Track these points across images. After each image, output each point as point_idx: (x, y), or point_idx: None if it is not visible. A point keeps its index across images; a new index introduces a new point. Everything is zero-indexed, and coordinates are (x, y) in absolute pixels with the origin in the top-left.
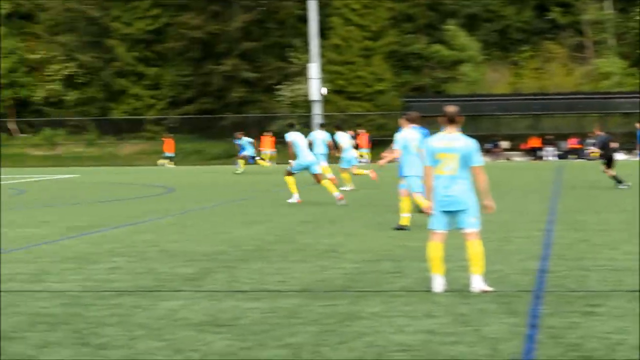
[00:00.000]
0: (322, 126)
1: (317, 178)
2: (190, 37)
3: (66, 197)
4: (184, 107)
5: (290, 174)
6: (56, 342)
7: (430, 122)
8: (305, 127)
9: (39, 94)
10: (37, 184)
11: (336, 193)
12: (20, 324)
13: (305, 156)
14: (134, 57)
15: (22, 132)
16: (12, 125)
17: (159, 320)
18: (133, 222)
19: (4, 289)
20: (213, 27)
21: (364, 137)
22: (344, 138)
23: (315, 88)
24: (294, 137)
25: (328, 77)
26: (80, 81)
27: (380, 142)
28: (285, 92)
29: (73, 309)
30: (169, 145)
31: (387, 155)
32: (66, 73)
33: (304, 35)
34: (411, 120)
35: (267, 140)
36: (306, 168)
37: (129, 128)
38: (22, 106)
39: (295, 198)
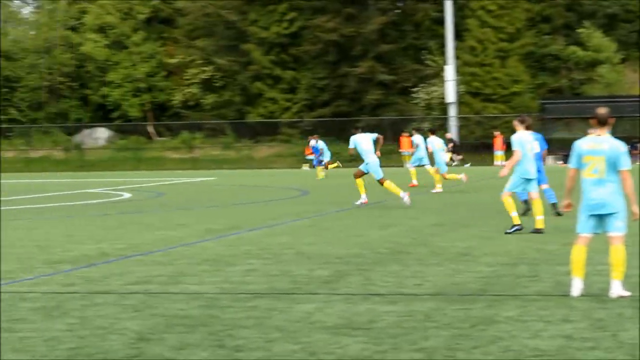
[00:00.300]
0: (418, 130)
1: (358, 174)
2: (326, 40)
3: (203, 199)
4: (319, 110)
5: (382, 182)
6: (193, 344)
7: (568, 124)
8: (441, 129)
9: (177, 98)
10: (175, 186)
11: (363, 196)
12: (158, 325)
13: (368, 157)
14: (270, 60)
15: (160, 135)
16: (150, 128)
17: (294, 323)
18: (269, 224)
19: (142, 290)
20: (348, 30)
21: (499, 139)
22: (436, 142)
23: (451, 90)
24: (358, 138)
25: (463, 79)
26: (217, 85)
27: None
28: (421, 94)
29: (210, 311)
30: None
31: (508, 164)
32: (204, 77)
33: (439, 37)
34: (524, 123)
35: (405, 141)
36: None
37: (265, 131)
38: (161, 110)
39: (406, 199)
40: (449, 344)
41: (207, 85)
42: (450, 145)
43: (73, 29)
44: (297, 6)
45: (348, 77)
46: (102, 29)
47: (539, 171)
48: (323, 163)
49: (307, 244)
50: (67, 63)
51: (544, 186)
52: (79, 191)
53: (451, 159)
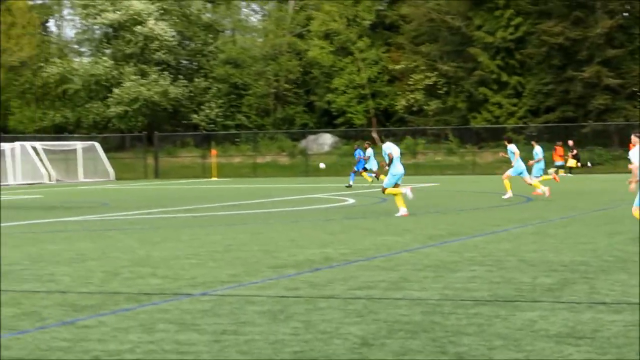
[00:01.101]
0: (510, 141)
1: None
2: (551, 44)
3: (427, 205)
4: (544, 115)
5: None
6: (415, 350)
7: None
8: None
9: (400, 103)
10: None
11: (402, 209)
12: (379, 330)
13: (397, 167)
14: (496, 65)
15: (384, 141)
16: (374, 134)
17: (517, 331)
18: (492, 231)
19: (365, 295)
20: (575, 34)
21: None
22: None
23: None
24: (390, 147)
25: None
26: (441, 90)
27: None
28: None
29: (432, 317)
30: (559, 153)
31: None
32: (428, 83)
33: None
34: None
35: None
36: (399, 178)
37: (489, 136)
38: (385, 115)
39: (402, 213)
40: None
41: (431, 91)
42: (573, 152)
43: (299, 35)
44: (524, 10)
45: (574, 82)
46: (327, 36)
47: None
48: (362, 168)
49: (530, 251)
50: (293, 70)
51: None
52: (303, 196)
53: (575, 166)
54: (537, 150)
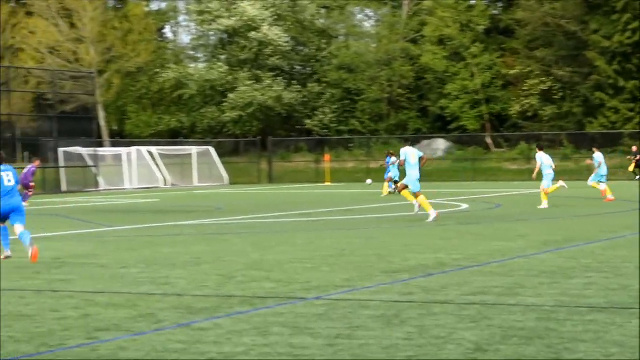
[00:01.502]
0: (541, 148)
1: (402, 188)
2: None
3: (541, 211)
4: None
5: (417, 195)
6: (530, 356)
7: None
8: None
9: (514, 109)
10: (512, 198)
11: (432, 211)
12: (494, 336)
13: (411, 171)
14: (613, 70)
15: (498, 146)
16: (488, 139)
17: (633, 339)
18: (608, 237)
19: (479, 301)
20: None
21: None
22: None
23: None
24: (407, 151)
25: None
26: (556, 96)
27: None
28: None
29: (547, 324)
30: None
31: None
32: (543, 88)
33: None
34: None
35: None
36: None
37: (605, 142)
38: (499, 121)
39: (433, 217)
40: None
41: (546, 96)
42: (638, 157)
43: (413, 41)
44: None
45: None
46: (441, 41)
47: None
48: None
49: None
50: (407, 75)
51: None
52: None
53: (634, 172)
54: (596, 156)
